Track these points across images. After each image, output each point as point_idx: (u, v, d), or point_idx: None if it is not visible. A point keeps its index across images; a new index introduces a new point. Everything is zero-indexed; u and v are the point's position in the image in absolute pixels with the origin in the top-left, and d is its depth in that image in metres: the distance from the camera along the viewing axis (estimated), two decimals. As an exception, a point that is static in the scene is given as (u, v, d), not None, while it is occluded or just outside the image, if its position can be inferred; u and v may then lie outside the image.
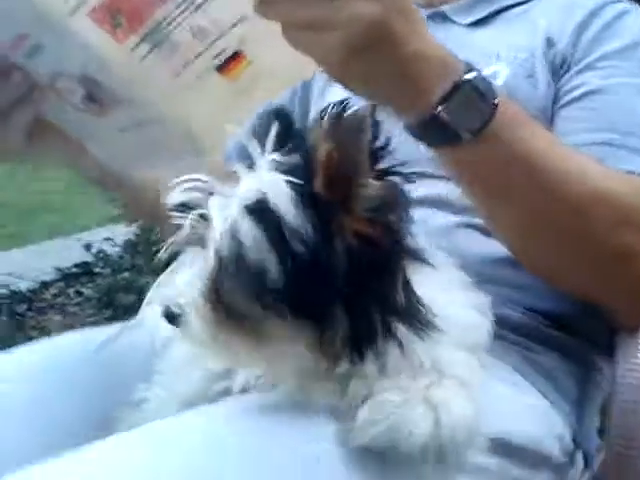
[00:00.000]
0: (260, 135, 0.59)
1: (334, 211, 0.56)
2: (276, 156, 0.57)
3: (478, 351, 0.67)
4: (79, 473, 0.53)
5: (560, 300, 0.83)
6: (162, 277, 0.64)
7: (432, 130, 0.65)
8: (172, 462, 0.55)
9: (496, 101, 0.66)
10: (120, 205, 3.05)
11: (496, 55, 0.92)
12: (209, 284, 0.57)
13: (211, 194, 0.57)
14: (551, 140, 0.73)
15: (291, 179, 0.55)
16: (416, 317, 0.59)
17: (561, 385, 0.80)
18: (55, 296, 3.31)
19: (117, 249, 3.38)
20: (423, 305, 0.60)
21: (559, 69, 0.89)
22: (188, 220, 0.57)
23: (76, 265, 3.60)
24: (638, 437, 0.75)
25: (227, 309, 0.57)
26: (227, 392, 0.67)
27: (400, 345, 0.59)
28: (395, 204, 0.58)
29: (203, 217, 0.57)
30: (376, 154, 0.57)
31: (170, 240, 0.60)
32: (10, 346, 0.88)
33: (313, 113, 1.11)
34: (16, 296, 3.30)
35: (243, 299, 0.57)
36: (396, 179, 0.58)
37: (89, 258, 3.51)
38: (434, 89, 0.64)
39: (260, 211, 0.55)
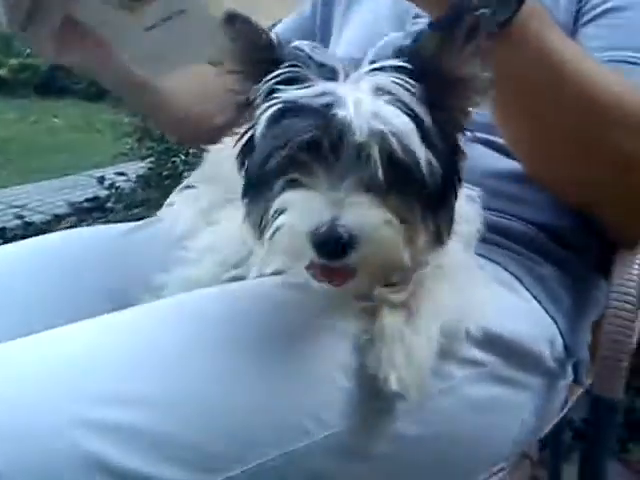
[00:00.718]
0: None
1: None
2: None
3: (473, 240, 0.70)
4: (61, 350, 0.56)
5: (562, 216, 0.85)
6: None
7: None
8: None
9: None
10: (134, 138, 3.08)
11: None
12: (382, 194, 0.55)
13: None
14: (577, 46, 0.74)
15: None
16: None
17: (556, 294, 0.83)
18: (68, 229, 3.35)
19: (130, 184, 3.40)
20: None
21: None
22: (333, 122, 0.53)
23: (88, 200, 3.66)
24: (627, 348, 0.78)
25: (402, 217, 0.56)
26: (239, 279, 0.70)
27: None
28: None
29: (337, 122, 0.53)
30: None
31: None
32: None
33: (336, 27, 1.12)
34: (29, 228, 3.35)
35: (401, 191, 0.56)
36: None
37: (102, 192, 3.55)
38: None
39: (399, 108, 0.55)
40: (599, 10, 0.86)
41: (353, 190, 0.54)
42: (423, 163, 0.54)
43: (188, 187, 0.99)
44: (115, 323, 0.60)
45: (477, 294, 0.68)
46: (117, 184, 3.45)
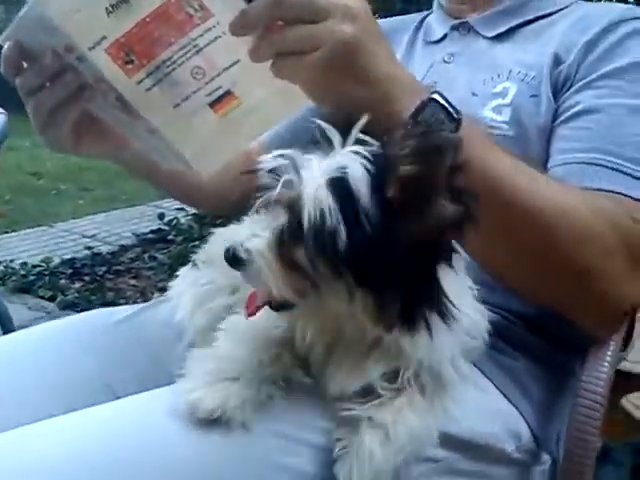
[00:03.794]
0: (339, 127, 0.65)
1: (402, 214, 0.62)
2: (358, 148, 0.63)
3: (473, 355, 0.75)
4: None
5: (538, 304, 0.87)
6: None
7: None
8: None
9: (459, 117, 0.71)
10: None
11: (508, 72, 0.96)
12: (278, 238, 0.64)
13: (295, 166, 0.63)
14: (514, 161, 0.77)
15: (370, 170, 0.61)
16: (443, 309, 0.65)
17: (527, 389, 0.85)
18: (132, 260, 3.54)
19: (189, 217, 3.55)
20: (449, 300, 0.66)
21: (561, 88, 0.92)
22: (280, 182, 0.63)
23: (152, 231, 3.84)
24: (593, 447, 0.79)
25: (290, 262, 0.64)
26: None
27: (429, 330, 0.65)
28: (462, 223, 0.63)
29: (286, 183, 0.63)
30: (453, 176, 0.62)
31: (260, 198, 0.67)
32: (89, 307, 1.02)
33: None
34: (97, 258, 3.56)
35: (308, 257, 0.62)
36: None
37: (163, 226, 3.72)
38: (404, 107, 0.70)
39: (340, 186, 0.61)
40: (571, 112, 0.88)
41: (268, 231, 0.65)
42: (340, 234, 0.60)
43: (195, 264, 1.06)
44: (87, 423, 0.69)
45: (445, 404, 0.72)
46: (178, 217, 3.60)
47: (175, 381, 0.74)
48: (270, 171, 0.65)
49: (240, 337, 0.73)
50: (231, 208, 1.02)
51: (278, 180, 0.64)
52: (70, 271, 3.40)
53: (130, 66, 0.74)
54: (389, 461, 0.67)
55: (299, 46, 0.68)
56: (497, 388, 0.83)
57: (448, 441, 0.74)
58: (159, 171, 1.03)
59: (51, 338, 0.92)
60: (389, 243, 0.61)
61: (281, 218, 0.65)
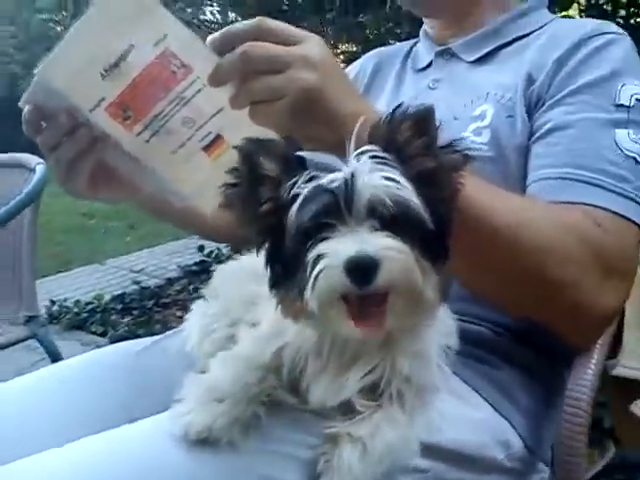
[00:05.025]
0: None
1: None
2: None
3: (448, 355, 0.76)
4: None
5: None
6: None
7: None
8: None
9: None
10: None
11: (486, 95, 0.99)
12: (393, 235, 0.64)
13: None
14: (476, 180, 0.79)
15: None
16: None
17: (516, 399, 0.87)
18: (178, 292, 3.66)
19: (228, 248, 3.65)
20: None
21: (534, 107, 0.95)
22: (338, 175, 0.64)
23: (195, 263, 3.96)
24: (582, 452, 0.81)
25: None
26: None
27: None
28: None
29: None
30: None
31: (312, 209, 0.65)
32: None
33: None
34: (145, 292, 3.69)
35: (411, 243, 0.64)
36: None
37: (205, 257, 3.84)
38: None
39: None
40: (544, 129, 0.91)
41: (369, 231, 0.64)
42: (420, 210, 0.64)
43: (205, 298, 1.13)
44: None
45: (427, 415, 0.74)
46: (218, 249, 3.70)
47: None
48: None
49: (228, 362, 0.78)
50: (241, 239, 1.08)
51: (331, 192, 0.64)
52: (120, 306, 3.53)
53: (128, 121, 0.82)
54: (367, 473, 0.70)
55: (267, 95, 0.74)
56: (484, 399, 0.86)
57: (432, 451, 0.77)
58: (173, 209, 1.10)
59: (79, 370, 0.99)
60: (439, 215, 0.66)
61: (366, 218, 0.64)
